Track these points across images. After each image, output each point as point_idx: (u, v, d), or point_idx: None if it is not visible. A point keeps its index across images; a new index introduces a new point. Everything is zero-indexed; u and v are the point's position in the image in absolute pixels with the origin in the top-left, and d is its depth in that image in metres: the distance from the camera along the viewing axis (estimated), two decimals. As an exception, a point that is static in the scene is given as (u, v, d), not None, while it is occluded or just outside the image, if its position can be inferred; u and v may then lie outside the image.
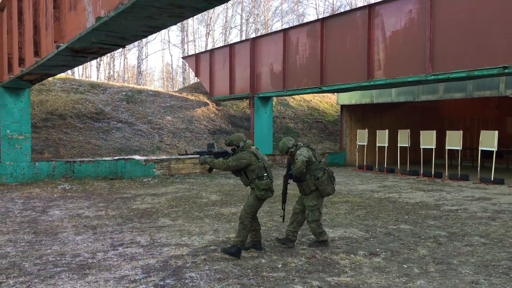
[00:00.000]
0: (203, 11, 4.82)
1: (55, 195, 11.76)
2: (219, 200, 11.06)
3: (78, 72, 41.78)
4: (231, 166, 6.09)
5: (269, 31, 40.27)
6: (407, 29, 12.63)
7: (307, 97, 25.20)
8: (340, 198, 11.35)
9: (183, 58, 29.20)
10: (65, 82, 19.63)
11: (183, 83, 38.44)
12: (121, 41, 6.41)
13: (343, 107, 20.90)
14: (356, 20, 14.16)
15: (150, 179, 15.04)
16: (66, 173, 14.26)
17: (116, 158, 15.47)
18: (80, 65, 10.90)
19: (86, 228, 8.04)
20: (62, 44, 7.20)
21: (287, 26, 36.87)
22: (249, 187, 6.32)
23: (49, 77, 11.81)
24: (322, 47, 15.37)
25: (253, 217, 6.24)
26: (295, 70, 16.87)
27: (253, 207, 6.19)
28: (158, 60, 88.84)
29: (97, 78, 43.45)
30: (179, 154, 8.04)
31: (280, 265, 5.76)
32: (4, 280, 5.24)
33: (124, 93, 20.59)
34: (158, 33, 6.54)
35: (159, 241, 7.08)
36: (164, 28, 5.66)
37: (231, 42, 28.88)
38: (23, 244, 6.93)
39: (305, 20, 44.50)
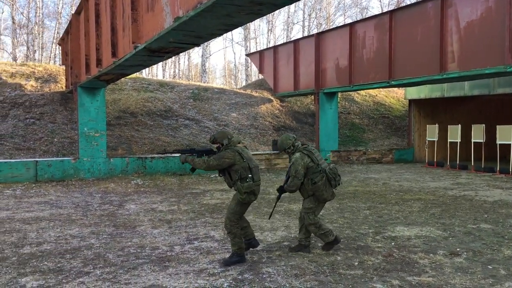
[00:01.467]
0: (281, 7, 4.83)
1: (129, 190, 12.26)
2: (287, 196, 11.02)
3: (145, 71, 43.28)
4: (212, 165, 5.58)
5: (332, 26, 39.75)
6: (483, 18, 12.00)
7: (373, 92, 24.64)
8: (412, 195, 11.02)
9: (247, 55, 29.45)
10: (136, 81, 20.40)
11: (246, 80, 38.82)
12: (197, 40, 6.55)
13: (411, 101, 20.25)
14: (427, 11, 13.64)
15: (217, 175, 15.27)
16: (138, 169, 14.83)
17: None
18: (154, 64, 11.29)
19: (161, 222, 8.31)
20: (139, 45, 7.47)
21: (351, 20, 36.22)
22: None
23: (124, 76, 12.31)
24: (391, 40, 14.95)
25: (239, 222, 5.80)
26: (361, 65, 16.54)
27: (237, 214, 5.74)
28: (219, 58, 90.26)
29: (163, 76, 44.83)
30: (157, 153, 7.29)
31: (356, 263, 5.68)
32: (92, 270, 5.53)
33: (191, 91, 21.09)
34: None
35: (232, 236, 7.18)
36: (240, 26, 5.72)
37: (294, 38, 28.74)
38: (105, 236, 7.27)
39: (369, 14, 43.53)
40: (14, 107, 16.15)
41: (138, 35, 7.54)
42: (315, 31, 40.09)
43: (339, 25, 23.53)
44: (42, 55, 36.52)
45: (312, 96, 20.64)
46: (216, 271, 5.42)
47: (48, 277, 5.28)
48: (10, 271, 5.51)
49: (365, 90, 22.82)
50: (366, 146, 20.44)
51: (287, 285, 4.92)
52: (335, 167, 6.10)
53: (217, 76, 65.23)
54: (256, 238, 6.96)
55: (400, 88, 23.63)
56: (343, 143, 20.24)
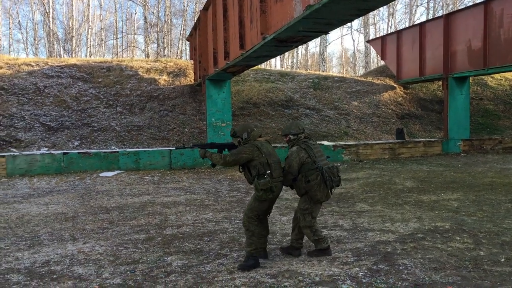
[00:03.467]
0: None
1: (254, 178, 12.64)
2: (415, 187, 10.60)
3: (264, 63, 44.16)
4: (229, 161, 5.26)
5: (460, 6, 36.95)
6: None
7: (509, 75, 22.49)
8: (562, 189, 9.88)
9: (367, 41, 28.62)
10: (257, 72, 20.94)
11: (365, 68, 37.78)
12: (327, 27, 6.51)
13: (557, 84, 18.12)
14: None
15: (338, 164, 15.18)
16: (261, 157, 15.23)
17: (306, 143, 15.94)
18: (280, 54, 11.49)
19: (288, 209, 8.45)
20: (268, 36, 7.62)
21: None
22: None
23: (249, 68, 12.70)
24: (534, 16, 13.47)
25: (259, 221, 5.38)
26: (498, 46, 15.15)
27: (255, 210, 5.32)
28: (336, 46, 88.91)
29: (281, 67, 45.43)
30: (176, 148, 6.83)
31: (503, 259, 5.25)
32: (228, 253, 5.81)
33: (311, 80, 21.09)
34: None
35: (361, 225, 7.07)
36: (373, 10, 5.55)
37: (419, 21, 27.26)
38: (237, 221, 7.59)
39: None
40: (150, 100, 17.54)
41: (266, 26, 7.69)
42: (440, 13, 37.62)
43: (470, 4, 21.86)
44: (170, 51, 39.12)
45: (440, 82, 19.48)
46: (349, 260, 5.37)
47: (190, 257, 5.66)
48: (157, 250, 6.01)
49: (501, 74, 20.89)
50: (502, 134, 18.76)
51: (427, 278, 4.72)
52: (336, 167, 5.55)
53: (334, 64, 64.40)
54: (387, 228, 6.80)
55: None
56: (475, 131, 18.81)
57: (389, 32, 40.03)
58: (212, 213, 8.31)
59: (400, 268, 5.04)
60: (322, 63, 33.68)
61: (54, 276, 5.07)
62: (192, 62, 19.26)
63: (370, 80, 22.01)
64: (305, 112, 18.69)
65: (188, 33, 35.86)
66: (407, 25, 40.18)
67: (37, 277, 5.04)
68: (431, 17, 33.77)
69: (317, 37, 7.64)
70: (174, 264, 5.39)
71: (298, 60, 47.10)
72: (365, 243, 6.06)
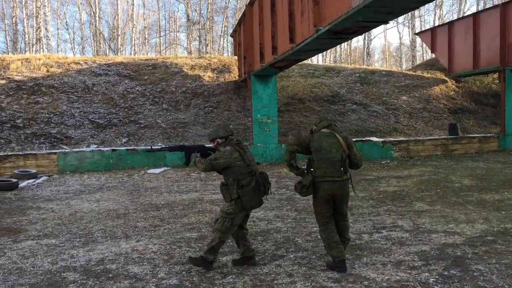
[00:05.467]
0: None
1: (302, 175, 12.34)
2: (475, 185, 10.04)
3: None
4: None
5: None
6: None
7: None
8: None
9: (416, 34, 27.71)
10: (302, 67, 20.56)
11: (412, 62, 36.64)
12: (387, 17, 6.14)
13: None
14: None
15: (388, 161, 14.67)
16: (308, 154, 14.93)
17: (354, 140, 15.52)
18: (332, 47, 11.12)
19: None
20: (321, 27, 7.31)
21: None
22: None
23: (298, 62, 12.41)
24: None
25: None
26: (562, 35, 14.21)
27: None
28: (378, 40, 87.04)
29: (323, 62, 44.76)
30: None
31: None
32: (285, 254, 5.56)
33: (357, 74, 20.55)
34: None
35: (423, 226, 6.67)
36: (442, -4, 5.16)
37: (470, 12, 26.21)
38: (289, 220, 7.35)
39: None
40: (195, 97, 17.53)
41: (320, 18, 7.38)
42: (491, 3, 35.98)
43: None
44: (212, 48, 39.21)
45: (495, 74, 18.55)
46: (416, 264, 5.02)
47: (246, 257, 5.45)
48: (211, 249, 5.83)
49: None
50: None
51: (506, 286, 4.32)
52: (265, 173, 5.13)
53: (376, 59, 62.93)
54: (452, 230, 6.37)
55: None
56: (534, 127, 17.78)
57: (436, 24, 38.67)
58: (263, 211, 8.08)
59: (475, 274, 4.65)
60: (367, 57, 32.89)
61: (110, 275, 4.98)
62: (236, 58, 19.11)
63: (420, 74, 21.24)
64: (352, 107, 18.20)
65: (229, 29, 35.86)
66: (455, 17, 38.70)
67: (93, 275, 4.96)
68: (483, 7, 32.35)
69: (375, 27, 7.27)
70: (229, 265, 5.20)
71: (341, 55, 46.23)
72: (430, 245, 5.68)
